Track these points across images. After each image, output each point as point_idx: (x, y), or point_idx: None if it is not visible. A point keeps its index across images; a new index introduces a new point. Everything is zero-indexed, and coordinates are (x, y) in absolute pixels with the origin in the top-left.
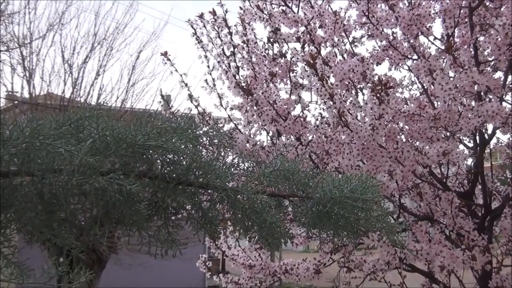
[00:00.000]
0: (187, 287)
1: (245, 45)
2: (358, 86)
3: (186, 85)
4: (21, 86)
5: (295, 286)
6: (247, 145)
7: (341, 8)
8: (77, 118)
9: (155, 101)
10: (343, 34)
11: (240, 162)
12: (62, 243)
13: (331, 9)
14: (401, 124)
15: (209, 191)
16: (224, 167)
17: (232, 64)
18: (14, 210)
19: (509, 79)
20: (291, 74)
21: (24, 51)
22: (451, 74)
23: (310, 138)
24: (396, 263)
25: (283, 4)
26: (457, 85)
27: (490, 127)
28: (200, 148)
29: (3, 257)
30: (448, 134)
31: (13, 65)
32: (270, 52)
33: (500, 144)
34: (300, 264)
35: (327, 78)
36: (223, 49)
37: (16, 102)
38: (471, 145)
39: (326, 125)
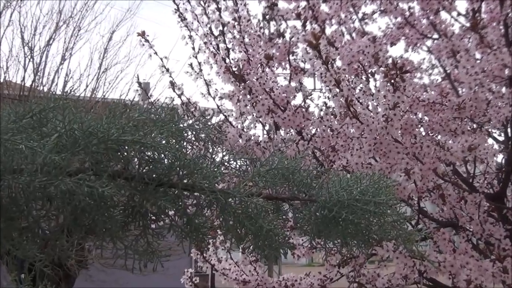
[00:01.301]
0: None
1: (236, 23)
2: (369, 71)
3: (167, 70)
4: None
5: None
6: (240, 140)
7: None
8: (39, 110)
9: (131, 89)
10: (351, 9)
11: (231, 160)
12: (24, 255)
13: None
14: (419, 115)
15: (195, 194)
16: (213, 166)
17: (222, 45)
18: None
19: None
20: (290, 57)
21: None
22: (478, 55)
23: (313, 131)
24: (415, 277)
25: None
26: (485, 69)
27: None
28: (184, 144)
29: None
30: (474, 126)
31: None
32: (266, 32)
33: None
34: (302, 280)
35: (333, 62)
36: (210, 28)
37: None
38: (501, 138)
39: (332, 117)
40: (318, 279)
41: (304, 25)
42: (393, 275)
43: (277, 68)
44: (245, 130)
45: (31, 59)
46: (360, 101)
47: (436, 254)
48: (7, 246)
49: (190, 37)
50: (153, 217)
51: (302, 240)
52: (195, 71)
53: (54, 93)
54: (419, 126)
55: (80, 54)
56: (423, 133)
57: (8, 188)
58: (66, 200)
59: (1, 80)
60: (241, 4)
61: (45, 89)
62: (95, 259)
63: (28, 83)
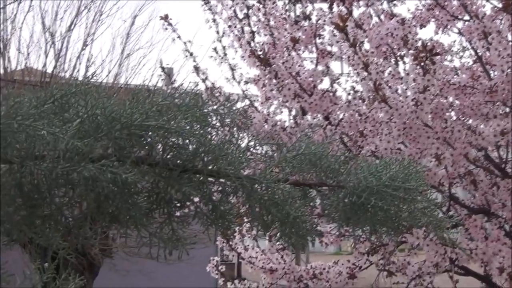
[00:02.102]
0: None
1: (261, 5)
2: (398, 54)
3: (191, 55)
4: None
5: None
6: (265, 125)
7: None
8: (61, 95)
9: (154, 75)
10: None
11: (257, 145)
12: (47, 243)
13: None
14: (450, 99)
15: (221, 180)
16: (238, 152)
17: (246, 28)
18: None
19: None
20: (317, 40)
21: None
22: (510, 37)
23: (340, 116)
24: (446, 265)
25: None
26: None
27: None
28: (209, 129)
29: None
30: (507, 109)
31: None
32: (292, 14)
33: None
34: (331, 268)
35: (361, 44)
36: (234, 11)
37: None
38: None
39: (360, 101)
40: (346, 267)
41: (331, 7)
42: (424, 263)
43: (303, 52)
44: (271, 115)
45: (52, 45)
46: (389, 84)
47: (468, 242)
48: (30, 234)
49: (214, 20)
50: (178, 204)
51: (330, 227)
52: (220, 56)
53: (76, 79)
54: (450, 110)
55: (102, 40)
56: (454, 118)
57: (30, 175)
58: (89, 187)
59: (22, 67)
60: None
61: (67, 75)
62: (119, 247)
63: (49, 70)
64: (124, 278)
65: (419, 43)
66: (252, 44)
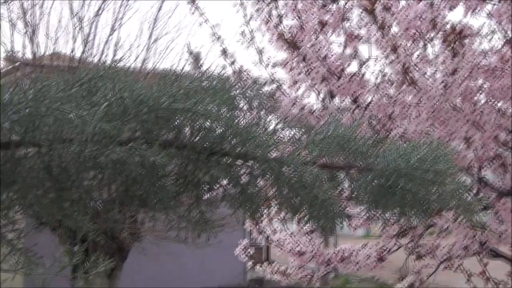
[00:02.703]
0: (225, 280)
1: None
2: (427, 36)
3: (218, 38)
4: (23, 45)
5: (354, 277)
6: (293, 109)
7: None
8: (89, 78)
9: (181, 59)
10: None
11: (285, 128)
12: (75, 226)
13: None
14: (479, 81)
15: (248, 162)
16: (266, 134)
17: (274, 12)
18: (17, 187)
19: None
20: (344, 23)
21: (25, 3)
22: None
23: (369, 99)
24: (476, 248)
25: None
26: None
27: None
28: (237, 112)
29: (6, 243)
30: None
31: (13, 20)
32: None
33: None
34: (359, 251)
35: (389, 27)
36: None
37: (17, 63)
38: None
39: (388, 84)
40: (375, 250)
41: None
42: (453, 245)
43: (331, 35)
44: (298, 98)
45: (81, 30)
46: (418, 67)
47: (498, 224)
48: (59, 217)
49: (242, 4)
50: (206, 187)
51: (359, 210)
52: (247, 39)
53: (103, 63)
54: (479, 93)
55: (130, 25)
56: (483, 100)
57: (58, 158)
58: (117, 170)
59: (51, 52)
60: None
61: (95, 60)
62: (148, 231)
63: (77, 55)
64: (153, 261)
65: (448, 26)
66: (280, 28)
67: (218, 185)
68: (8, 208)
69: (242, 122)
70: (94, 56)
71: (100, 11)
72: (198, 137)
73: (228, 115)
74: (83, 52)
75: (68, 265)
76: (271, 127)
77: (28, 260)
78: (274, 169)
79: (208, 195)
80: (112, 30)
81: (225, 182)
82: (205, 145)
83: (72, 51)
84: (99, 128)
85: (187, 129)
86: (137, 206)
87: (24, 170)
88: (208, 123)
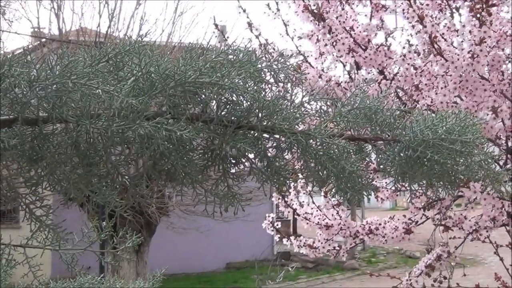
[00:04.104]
0: (252, 254)
1: None
2: (454, 5)
3: (244, 11)
4: (49, 21)
5: (381, 250)
6: (320, 81)
7: None
8: (115, 53)
9: (207, 33)
10: None
11: (311, 100)
12: (104, 201)
13: None
14: (507, 50)
15: (275, 136)
16: (293, 107)
17: None
18: (45, 163)
19: None
20: None
21: None
22: None
23: (395, 70)
24: (504, 219)
25: None
26: None
27: None
28: (263, 85)
29: (35, 219)
30: None
31: None
32: None
33: None
34: (386, 223)
35: None
36: None
37: (43, 39)
38: None
39: (415, 55)
40: (402, 223)
41: None
42: (481, 217)
43: (357, 6)
44: (325, 70)
45: (106, 5)
46: (445, 37)
47: None
48: (87, 192)
49: None
50: (233, 161)
51: (386, 182)
52: (273, 11)
53: (129, 37)
54: (507, 62)
55: None
56: (511, 70)
57: (86, 133)
58: (145, 145)
59: (77, 27)
60: None
61: (121, 35)
62: (176, 206)
63: (103, 30)
64: (181, 236)
65: None
66: None
67: (245, 159)
68: (36, 184)
69: (268, 95)
70: (120, 31)
71: None
72: (224, 111)
73: (254, 89)
74: (109, 27)
75: (96, 241)
76: (298, 100)
77: (56, 236)
78: (301, 142)
79: (235, 168)
80: (138, 4)
81: (252, 155)
82: (231, 119)
83: (98, 26)
84: (126, 103)
85: (214, 103)
86: (165, 181)
87: (52, 146)
88: (234, 97)
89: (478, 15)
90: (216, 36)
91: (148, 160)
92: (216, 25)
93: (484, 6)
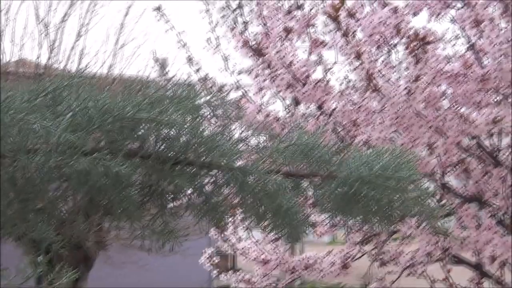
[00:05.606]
0: None
1: None
2: (391, 42)
3: (184, 45)
4: None
5: (319, 285)
6: (259, 116)
7: None
8: (54, 88)
9: (148, 65)
10: None
11: (249, 136)
12: (40, 237)
13: None
14: (442, 87)
15: (213, 171)
16: (231, 143)
17: (239, 19)
18: None
19: None
20: (310, 30)
21: None
22: (503, 25)
23: (334, 106)
24: (439, 254)
25: None
26: (510, 39)
27: None
28: (202, 120)
29: None
30: (499, 97)
31: None
32: (285, 4)
33: None
34: (324, 258)
35: (353, 34)
36: (228, 1)
37: None
38: None
39: (353, 90)
40: (339, 258)
41: None
42: (417, 252)
43: (296, 41)
44: (264, 105)
45: (46, 36)
46: (382, 74)
47: (460, 230)
48: (23, 228)
49: (208, 11)
50: (170, 196)
51: (324, 217)
52: (213, 46)
53: (69, 70)
54: (442, 98)
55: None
56: (446, 106)
57: (23, 168)
58: (82, 180)
59: (16, 58)
60: None
61: (61, 67)
62: (114, 240)
63: (43, 61)
64: (120, 270)
65: (412, 32)
66: (245, 34)
67: (182, 195)
68: None
69: (207, 131)
70: (60, 62)
71: (66, 17)
72: (162, 147)
73: (193, 124)
74: (49, 58)
75: (32, 276)
76: (236, 136)
77: None
78: (238, 178)
79: (173, 204)
80: (78, 36)
81: (189, 191)
82: (169, 155)
83: (38, 58)
84: (64, 138)
85: (152, 138)
86: (102, 215)
87: None
88: (173, 132)
89: (415, 52)
90: (156, 70)
91: (85, 196)
92: (156, 59)
93: (420, 43)
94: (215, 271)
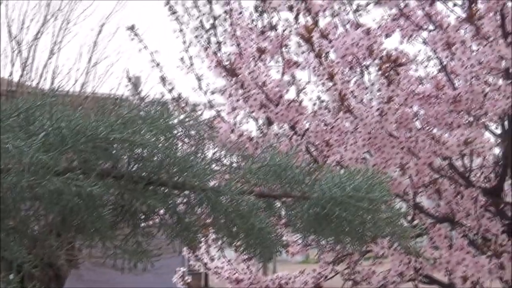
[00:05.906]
0: None
1: (227, 16)
2: (363, 64)
3: (158, 65)
4: None
5: None
6: (232, 136)
7: None
8: (26, 108)
9: (121, 84)
10: (345, 0)
11: (222, 156)
12: (11, 256)
13: None
14: (415, 108)
15: (186, 192)
16: (203, 163)
17: (213, 39)
18: None
19: None
20: (283, 50)
21: None
22: (474, 47)
23: (307, 126)
24: (411, 274)
25: None
26: (481, 61)
27: None
28: (174, 141)
29: None
30: (471, 119)
31: None
32: (258, 24)
33: None
34: (296, 278)
35: (326, 55)
36: (201, 21)
37: None
38: (498, 131)
39: (325, 111)
40: (312, 277)
41: (296, 18)
42: (389, 272)
43: (269, 62)
44: (237, 125)
45: (19, 54)
46: (354, 94)
47: (432, 251)
48: None
49: (181, 30)
50: (143, 216)
51: (296, 237)
52: (186, 66)
53: (42, 89)
54: (414, 119)
55: (69, 49)
56: (419, 127)
57: None
58: (54, 200)
59: None
60: None
61: (33, 84)
62: (86, 258)
63: (15, 79)
64: None
65: (384, 53)
66: (219, 54)
67: (155, 215)
68: None
69: (180, 151)
70: (33, 80)
71: (39, 35)
72: (135, 167)
73: (165, 144)
74: (21, 76)
75: None
76: (209, 156)
77: None
78: (211, 199)
79: (145, 224)
80: (51, 53)
81: (162, 211)
82: (142, 175)
83: (10, 75)
84: (36, 158)
85: (125, 158)
86: (74, 235)
87: None
88: (145, 153)
89: (387, 74)
90: (129, 88)
91: (57, 215)
92: (129, 78)
93: (392, 65)
94: None
